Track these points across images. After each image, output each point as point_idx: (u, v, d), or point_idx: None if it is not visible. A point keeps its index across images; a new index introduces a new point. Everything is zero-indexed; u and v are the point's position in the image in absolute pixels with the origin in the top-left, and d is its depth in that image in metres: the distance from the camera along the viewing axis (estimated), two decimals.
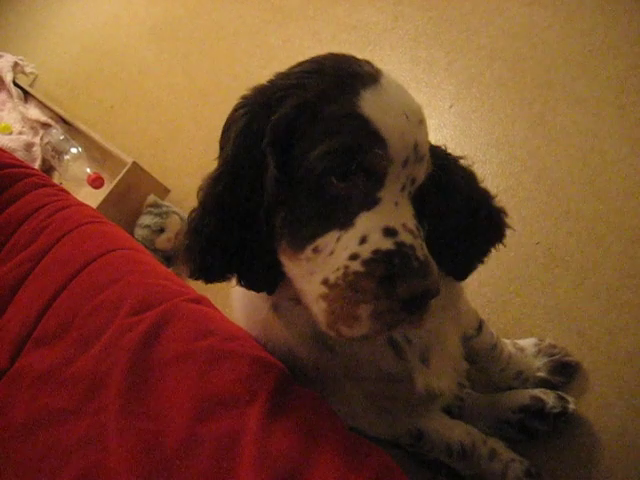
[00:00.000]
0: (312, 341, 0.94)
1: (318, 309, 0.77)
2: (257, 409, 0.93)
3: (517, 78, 1.98)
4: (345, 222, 0.75)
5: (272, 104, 0.78)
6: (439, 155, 0.88)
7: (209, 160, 0.88)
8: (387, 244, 0.72)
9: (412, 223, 0.77)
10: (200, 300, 1.26)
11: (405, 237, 0.73)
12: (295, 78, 0.79)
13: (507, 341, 1.39)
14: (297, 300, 0.88)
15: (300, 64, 0.83)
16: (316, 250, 0.76)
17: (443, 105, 2.06)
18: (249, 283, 0.87)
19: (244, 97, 0.84)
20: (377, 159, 0.74)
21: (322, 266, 0.75)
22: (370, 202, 0.75)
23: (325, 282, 0.75)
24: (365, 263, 0.72)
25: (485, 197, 0.96)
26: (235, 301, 1.07)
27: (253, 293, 0.89)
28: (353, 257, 0.73)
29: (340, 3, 2.74)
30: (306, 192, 0.75)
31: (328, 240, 0.75)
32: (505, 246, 0.99)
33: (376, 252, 0.72)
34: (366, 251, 0.73)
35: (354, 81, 0.75)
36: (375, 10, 2.57)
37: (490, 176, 1.79)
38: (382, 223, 0.74)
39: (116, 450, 0.95)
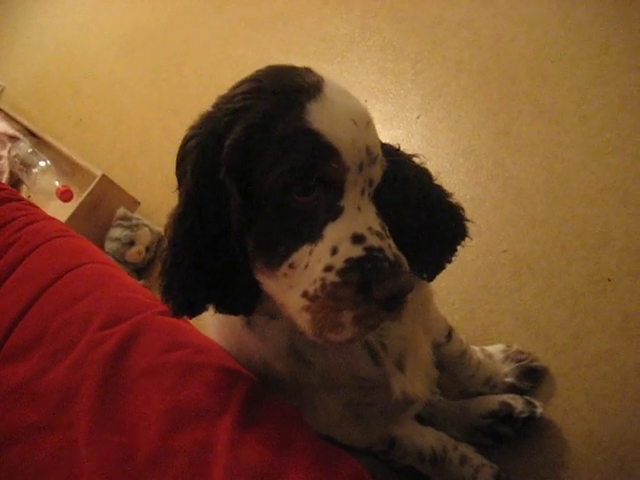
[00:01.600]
0: (287, 354, 0.95)
1: (302, 320, 0.78)
2: (228, 420, 0.94)
3: (483, 89, 2.01)
4: (314, 235, 0.76)
5: (221, 131, 0.78)
6: (390, 152, 0.89)
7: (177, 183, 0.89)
8: (357, 251, 0.74)
9: (377, 224, 0.79)
10: None
11: (373, 240, 0.75)
12: (239, 101, 0.79)
13: (476, 348, 1.42)
14: (271, 315, 0.89)
15: (240, 83, 0.83)
16: (292, 266, 0.77)
17: (410, 116, 2.09)
18: (228, 309, 0.87)
19: (192, 127, 0.84)
20: (333, 171, 0.75)
21: (300, 280, 0.77)
22: (334, 212, 0.77)
23: (305, 295, 0.76)
24: (340, 273, 0.74)
25: (441, 194, 0.98)
26: (208, 316, 1.08)
27: None
28: (328, 269, 0.74)
29: (309, 15, 2.76)
30: (272, 212, 0.76)
31: (301, 255, 0.76)
32: (472, 238, 1.00)
33: (348, 261, 0.74)
34: (339, 261, 0.74)
35: (298, 95, 0.76)
36: (343, 22, 2.60)
37: (457, 185, 1.82)
38: (349, 231, 0.76)
39: (88, 464, 0.94)
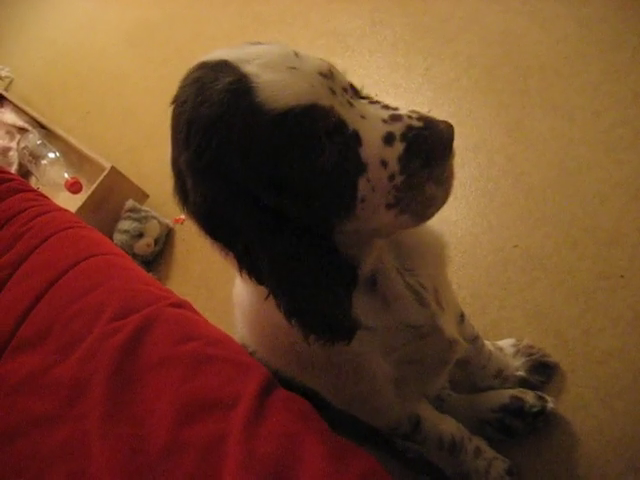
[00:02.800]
0: None
1: (402, 223, 0.82)
2: (241, 412, 0.94)
3: (494, 84, 2.00)
4: (359, 168, 0.77)
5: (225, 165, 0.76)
6: None
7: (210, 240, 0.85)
8: (399, 147, 0.76)
9: (382, 112, 0.80)
10: (182, 305, 1.26)
11: (398, 128, 0.77)
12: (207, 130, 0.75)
13: (486, 342, 1.41)
14: None
15: (181, 110, 0.79)
16: (363, 200, 0.78)
17: (421, 110, 2.07)
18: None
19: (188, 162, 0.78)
20: (327, 118, 0.75)
21: (376, 202, 0.79)
22: (353, 140, 0.77)
23: (389, 206, 0.79)
24: (402, 171, 0.76)
25: None
26: (236, 293, 1.06)
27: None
28: (391, 178, 0.77)
29: (317, 9, 2.75)
30: (320, 184, 0.76)
31: (363, 187, 0.78)
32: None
33: (400, 159, 0.76)
34: (395, 167, 0.77)
35: (242, 98, 0.73)
36: (352, 16, 2.59)
37: (469, 180, 1.81)
38: (378, 141, 0.77)
39: (99, 456, 0.94)
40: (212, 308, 2.04)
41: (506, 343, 1.45)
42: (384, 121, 0.78)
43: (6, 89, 3.78)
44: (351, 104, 0.80)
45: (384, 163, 0.77)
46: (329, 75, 0.78)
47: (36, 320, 1.25)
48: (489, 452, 1.28)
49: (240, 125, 0.72)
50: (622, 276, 1.45)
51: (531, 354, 1.40)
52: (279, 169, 0.74)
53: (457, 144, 1.73)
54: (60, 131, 2.96)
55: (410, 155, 0.76)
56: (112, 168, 2.51)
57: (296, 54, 0.77)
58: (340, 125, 0.77)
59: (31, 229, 1.48)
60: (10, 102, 3.36)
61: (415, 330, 1.00)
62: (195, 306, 1.34)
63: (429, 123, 0.77)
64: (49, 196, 1.90)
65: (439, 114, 1.92)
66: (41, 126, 3.16)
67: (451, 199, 0.85)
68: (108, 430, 0.97)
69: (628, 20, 1.87)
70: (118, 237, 2.37)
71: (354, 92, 0.84)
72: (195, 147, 0.75)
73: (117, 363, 1.06)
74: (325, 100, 0.75)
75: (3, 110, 3.34)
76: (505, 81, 1.98)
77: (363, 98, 0.84)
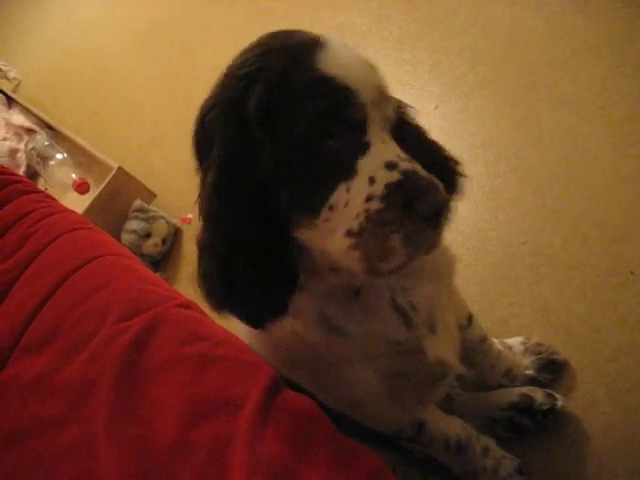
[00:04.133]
0: (319, 325, 0.94)
1: (351, 260, 0.79)
2: (247, 413, 0.93)
3: (501, 79, 1.99)
4: (348, 172, 0.78)
5: (239, 96, 0.80)
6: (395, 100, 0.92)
7: (194, 164, 0.88)
8: (394, 176, 0.76)
9: (403, 153, 0.81)
10: (189, 305, 1.26)
11: (405, 165, 0.77)
12: (250, 65, 0.82)
13: (495, 340, 1.40)
14: (299, 287, 0.88)
15: (246, 51, 0.86)
16: (332, 208, 0.78)
17: (428, 107, 2.07)
18: (268, 295, 0.85)
19: (208, 99, 0.86)
20: (355, 109, 0.78)
21: (342, 219, 0.78)
22: (362, 148, 0.79)
23: (349, 233, 0.78)
24: (383, 199, 0.76)
25: (435, 147, 1.01)
26: None
27: None
28: (369, 199, 0.76)
29: (324, 6, 2.75)
30: (303, 160, 0.78)
31: (339, 194, 0.78)
32: (464, 194, 1.00)
33: (388, 186, 0.76)
34: (379, 189, 0.76)
35: (306, 50, 0.79)
36: (359, 12, 2.58)
37: (476, 177, 1.80)
38: (381, 160, 0.78)
39: (106, 457, 0.94)
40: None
41: (515, 341, 1.44)
42: (398, 156, 0.79)
43: (14, 91, 3.80)
44: (383, 130, 0.82)
45: (372, 181, 0.77)
46: (384, 96, 0.83)
47: (44, 321, 1.26)
48: (498, 451, 1.27)
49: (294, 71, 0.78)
50: (632, 272, 1.44)
51: (540, 352, 1.39)
52: (289, 124, 0.77)
53: (464, 141, 1.72)
54: (68, 132, 2.98)
55: (399, 188, 0.76)
56: (119, 168, 2.51)
57: (372, 67, 0.84)
58: (360, 127, 0.79)
59: (38, 231, 1.48)
60: (18, 103, 3.38)
61: (393, 345, 0.99)
62: (202, 306, 1.34)
63: (435, 186, 0.76)
64: (57, 197, 1.91)
65: (446, 110, 1.91)
66: (49, 127, 3.18)
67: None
68: (115, 431, 0.97)
69: (636, 13, 1.85)
70: (126, 237, 2.37)
71: (393, 130, 0.85)
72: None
73: (124, 364, 1.07)
74: (365, 99, 0.78)
75: (11, 111, 3.36)
76: (512, 76, 1.97)
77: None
